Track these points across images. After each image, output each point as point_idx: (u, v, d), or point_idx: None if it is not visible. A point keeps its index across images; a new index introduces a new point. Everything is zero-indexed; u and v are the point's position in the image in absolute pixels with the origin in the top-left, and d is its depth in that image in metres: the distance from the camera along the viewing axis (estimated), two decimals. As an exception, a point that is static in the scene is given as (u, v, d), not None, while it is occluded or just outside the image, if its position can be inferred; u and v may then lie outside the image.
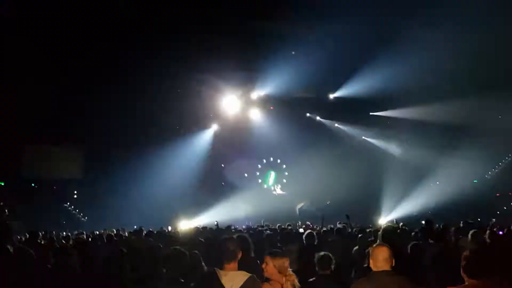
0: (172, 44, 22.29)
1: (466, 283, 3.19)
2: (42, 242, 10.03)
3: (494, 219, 17.24)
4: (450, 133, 27.08)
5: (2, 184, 28.89)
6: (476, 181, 28.82)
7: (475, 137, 25.65)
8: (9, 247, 4.92)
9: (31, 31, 20.37)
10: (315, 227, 14.60)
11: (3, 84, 21.59)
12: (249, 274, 3.77)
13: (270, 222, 19.07)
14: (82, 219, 30.05)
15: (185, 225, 21.90)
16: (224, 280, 3.67)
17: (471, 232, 6.82)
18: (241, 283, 3.66)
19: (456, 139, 26.43)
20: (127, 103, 25.17)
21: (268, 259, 4.17)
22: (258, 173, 33.99)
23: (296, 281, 4.17)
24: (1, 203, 16.97)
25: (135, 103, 25.69)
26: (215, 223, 15.02)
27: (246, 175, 32.11)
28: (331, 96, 29.47)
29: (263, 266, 4.19)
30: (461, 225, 8.53)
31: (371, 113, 29.89)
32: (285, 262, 4.17)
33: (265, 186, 33.79)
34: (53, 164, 27.87)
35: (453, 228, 9.19)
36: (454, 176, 26.52)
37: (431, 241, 7.41)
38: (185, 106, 27.44)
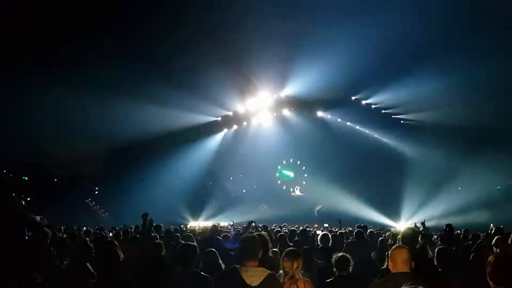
0: (193, 48, 22.64)
1: None
2: (64, 236, 10.21)
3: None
4: (474, 138, 26.55)
5: (26, 178, 29.56)
6: (500, 187, 28.23)
7: (500, 142, 25.13)
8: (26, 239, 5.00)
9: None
10: (333, 229, 14.51)
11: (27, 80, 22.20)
12: (268, 271, 3.81)
13: (289, 223, 19.03)
14: (103, 215, 30.49)
15: (203, 223, 22.04)
16: (245, 276, 3.73)
17: (495, 238, 6.68)
18: (261, 279, 3.71)
19: (480, 144, 25.90)
20: (147, 103, 25.45)
21: (282, 258, 4.34)
22: (277, 174, 34.02)
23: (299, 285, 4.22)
24: (22, 195, 17.28)
25: (155, 102, 25.96)
26: (231, 223, 15.10)
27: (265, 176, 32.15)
28: (353, 98, 29.38)
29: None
30: (491, 231, 8.39)
31: (393, 116, 29.67)
32: (286, 263, 4.28)
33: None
34: (75, 161, 28.34)
35: (479, 233, 9.05)
36: (477, 182, 26.03)
37: (451, 246, 7.32)
38: (205, 105, 27.64)
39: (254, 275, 3.74)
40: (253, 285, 3.69)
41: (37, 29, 19.94)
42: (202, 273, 4.49)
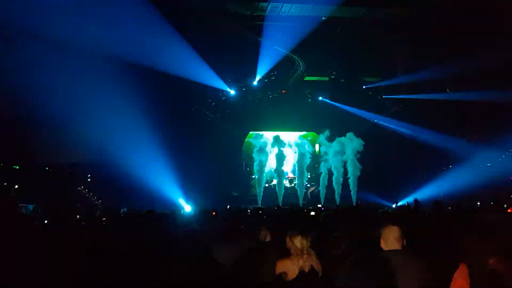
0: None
1: None
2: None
3: (505, 205, 17.04)
4: (463, 116, 26.71)
5: (17, 167, 29.25)
6: (489, 164, 28.44)
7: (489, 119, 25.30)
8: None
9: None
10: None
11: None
12: (245, 248, 3.86)
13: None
14: (96, 202, 30.32)
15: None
16: (223, 253, 3.78)
17: (480, 212, 6.78)
18: (239, 254, 3.76)
19: (470, 121, 26.09)
20: (138, 87, 25.22)
21: (287, 237, 4.58)
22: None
23: (309, 260, 4.32)
24: (13, 184, 17.15)
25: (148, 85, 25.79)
26: (227, 207, 15.21)
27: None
28: (343, 79, 29.38)
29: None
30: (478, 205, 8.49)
31: (384, 96, 29.71)
32: (300, 240, 4.50)
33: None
34: (67, 148, 28.05)
35: (465, 210, 9.17)
36: (467, 159, 26.23)
37: (442, 222, 7.41)
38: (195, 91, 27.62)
39: (228, 254, 3.79)
40: (227, 264, 3.70)
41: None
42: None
